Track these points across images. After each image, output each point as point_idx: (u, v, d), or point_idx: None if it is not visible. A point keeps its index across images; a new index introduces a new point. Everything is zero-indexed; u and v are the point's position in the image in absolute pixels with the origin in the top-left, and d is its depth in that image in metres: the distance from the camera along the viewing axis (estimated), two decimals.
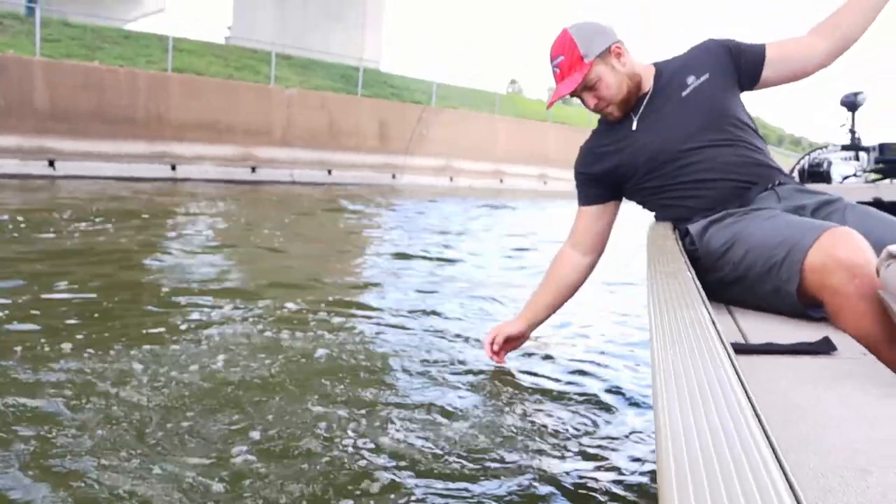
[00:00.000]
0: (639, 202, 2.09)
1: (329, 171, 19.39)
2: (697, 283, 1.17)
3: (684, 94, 1.92)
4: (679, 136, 1.87)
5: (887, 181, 3.50)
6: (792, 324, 1.42)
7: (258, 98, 18.32)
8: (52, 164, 14.60)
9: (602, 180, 2.11)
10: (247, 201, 12.20)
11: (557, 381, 2.71)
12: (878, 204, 3.40)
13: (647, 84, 1.98)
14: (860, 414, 0.86)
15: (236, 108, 17.64)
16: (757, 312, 1.53)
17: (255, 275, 5.07)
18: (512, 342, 2.41)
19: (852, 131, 3.92)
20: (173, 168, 16.34)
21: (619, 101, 1.97)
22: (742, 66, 1.95)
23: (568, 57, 1.94)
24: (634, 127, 1.96)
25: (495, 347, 2.36)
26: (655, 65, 2.04)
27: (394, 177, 21.02)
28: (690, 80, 1.93)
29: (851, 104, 3.80)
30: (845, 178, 3.84)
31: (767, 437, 0.55)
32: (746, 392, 0.63)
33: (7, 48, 15.20)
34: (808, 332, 1.26)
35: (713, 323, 0.88)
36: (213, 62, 19.65)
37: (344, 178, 19.37)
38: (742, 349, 1.13)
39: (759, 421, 0.57)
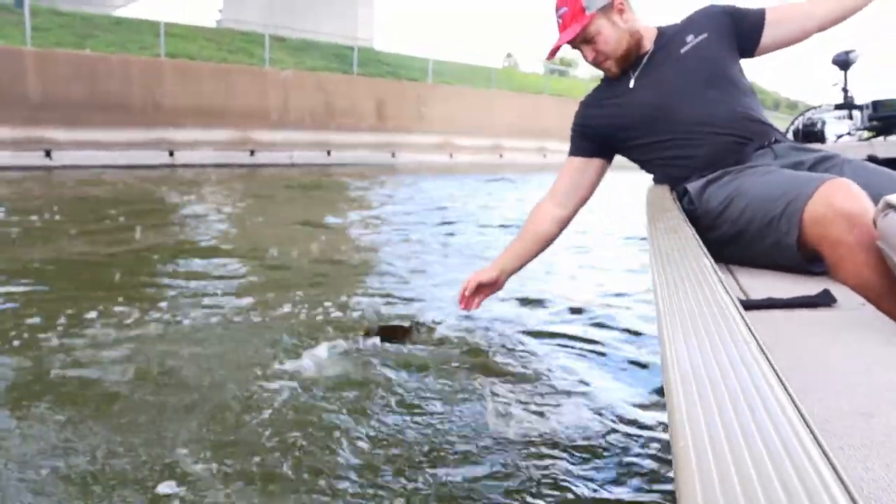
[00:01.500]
0: (635, 160, 2.09)
1: (328, 152, 19.26)
2: (698, 238, 1.17)
3: (682, 51, 1.93)
4: (675, 91, 1.88)
5: (881, 138, 3.51)
6: (791, 279, 1.44)
7: (253, 81, 18.14)
8: (48, 154, 14.49)
9: (593, 135, 2.11)
10: (247, 184, 12.12)
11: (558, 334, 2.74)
12: (872, 161, 3.43)
13: (648, 43, 1.98)
14: (861, 361, 0.88)
15: (232, 91, 17.48)
16: (756, 270, 1.55)
17: (256, 260, 5.02)
18: (484, 289, 2.34)
19: (845, 90, 3.91)
20: (171, 154, 16.23)
21: (617, 57, 1.97)
22: (743, 29, 1.96)
23: (570, 8, 1.94)
24: (632, 85, 1.97)
25: (467, 293, 2.30)
26: (658, 28, 2.05)
27: (393, 155, 20.89)
28: (689, 38, 1.93)
29: (843, 63, 3.79)
30: (839, 136, 3.88)
31: (780, 380, 0.54)
32: (758, 341, 0.62)
33: None
34: (808, 287, 1.27)
35: (716, 273, 0.88)
36: (205, 46, 19.44)
37: (343, 159, 19.25)
38: (743, 304, 1.10)
39: (774, 369, 0.55)
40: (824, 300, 1.17)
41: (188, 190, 10.34)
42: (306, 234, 6.26)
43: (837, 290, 1.24)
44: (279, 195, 10.42)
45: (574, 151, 2.19)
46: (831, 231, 1.37)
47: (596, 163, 2.16)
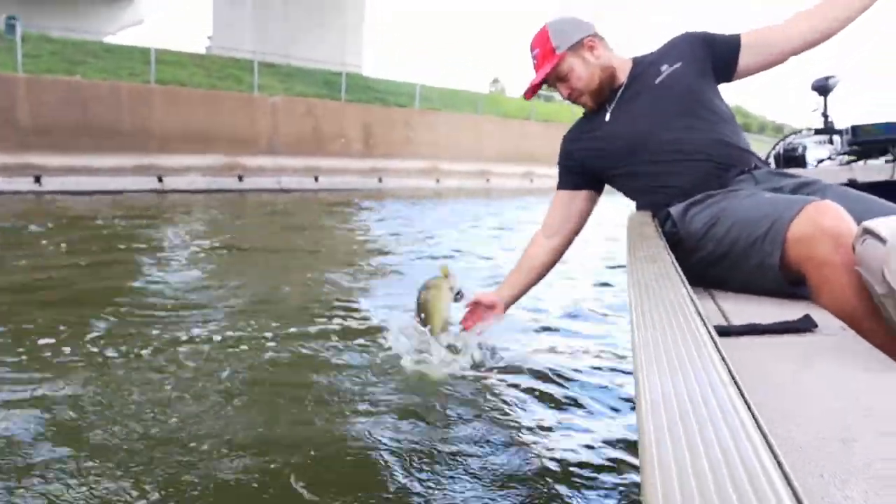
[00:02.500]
0: (619, 189, 2.13)
1: (316, 178, 19.42)
2: (677, 265, 1.18)
3: (657, 81, 1.96)
4: (651, 122, 1.91)
5: (861, 162, 3.56)
6: (773, 304, 1.43)
7: (242, 107, 18.34)
8: (38, 180, 14.56)
9: (577, 169, 2.17)
10: (234, 210, 12.23)
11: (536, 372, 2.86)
12: (853, 185, 3.52)
13: (623, 76, 2.04)
14: (842, 386, 0.88)
15: (221, 117, 17.65)
16: (738, 294, 1.55)
17: (243, 287, 5.12)
18: (483, 311, 2.40)
19: (825, 115, 3.98)
20: (160, 180, 16.33)
21: (591, 91, 2.03)
22: (718, 54, 1.97)
23: (542, 49, 2.03)
24: (608, 118, 2.02)
25: (467, 310, 2.39)
26: (634, 59, 2.09)
27: (380, 181, 21.08)
28: (664, 68, 1.97)
29: (823, 88, 3.85)
30: (820, 161, 3.90)
31: (751, 411, 0.54)
32: (729, 369, 0.63)
33: None
34: (790, 311, 1.28)
35: (693, 303, 0.89)
36: (195, 73, 19.64)
37: (331, 184, 19.41)
38: (724, 331, 1.15)
39: (743, 396, 0.56)
40: (805, 325, 1.17)
41: (174, 216, 10.46)
42: (286, 262, 6.39)
43: (818, 315, 1.25)
44: (265, 222, 10.54)
45: (561, 185, 2.26)
46: (817, 251, 1.36)
47: (583, 194, 2.22)
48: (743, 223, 1.55)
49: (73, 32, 20.43)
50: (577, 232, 2.32)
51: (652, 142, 1.89)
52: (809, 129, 4.24)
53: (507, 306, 2.41)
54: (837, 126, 4.03)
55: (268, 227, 9.67)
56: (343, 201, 14.86)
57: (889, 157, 3.50)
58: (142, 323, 3.59)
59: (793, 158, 3.94)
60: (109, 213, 10.47)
